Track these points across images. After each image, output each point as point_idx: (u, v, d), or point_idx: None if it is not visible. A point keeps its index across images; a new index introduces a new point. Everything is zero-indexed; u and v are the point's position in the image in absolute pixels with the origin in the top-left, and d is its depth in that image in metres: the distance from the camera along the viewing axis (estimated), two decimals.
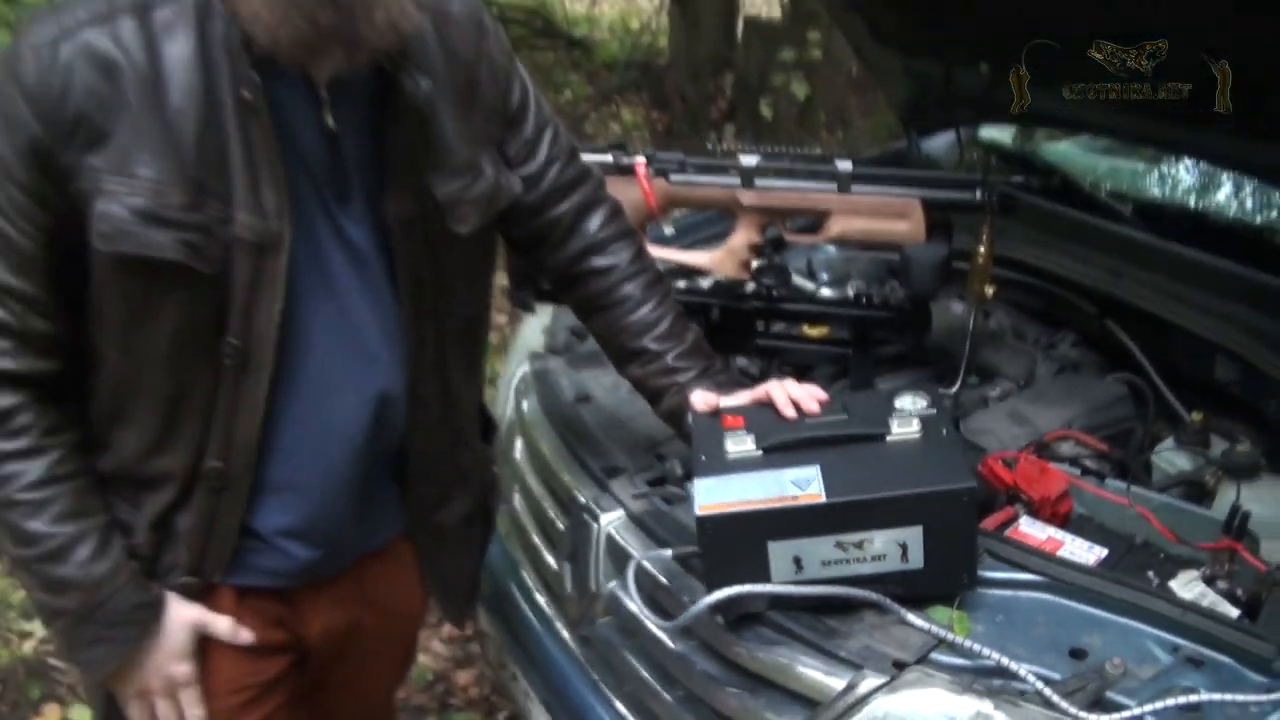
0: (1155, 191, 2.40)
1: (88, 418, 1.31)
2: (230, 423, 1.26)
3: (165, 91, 1.17)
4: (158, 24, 1.17)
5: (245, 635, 1.37)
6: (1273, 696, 1.19)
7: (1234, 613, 1.37)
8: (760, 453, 1.40)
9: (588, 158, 1.66)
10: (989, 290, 1.94)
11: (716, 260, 1.99)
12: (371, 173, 1.30)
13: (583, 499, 1.70)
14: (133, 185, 1.16)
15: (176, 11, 1.17)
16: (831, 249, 2.40)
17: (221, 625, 1.35)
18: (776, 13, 7.06)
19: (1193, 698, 1.18)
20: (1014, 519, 1.55)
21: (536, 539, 1.88)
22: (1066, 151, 2.59)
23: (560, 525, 1.78)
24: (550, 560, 1.83)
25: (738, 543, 1.33)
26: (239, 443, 1.27)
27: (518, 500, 2.00)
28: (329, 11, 1.12)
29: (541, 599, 1.88)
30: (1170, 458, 1.73)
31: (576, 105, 6.70)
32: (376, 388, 1.35)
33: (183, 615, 1.33)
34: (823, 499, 1.31)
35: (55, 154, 1.16)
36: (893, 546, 1.32)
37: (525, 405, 2.01)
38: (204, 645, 1.36)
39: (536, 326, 2.20)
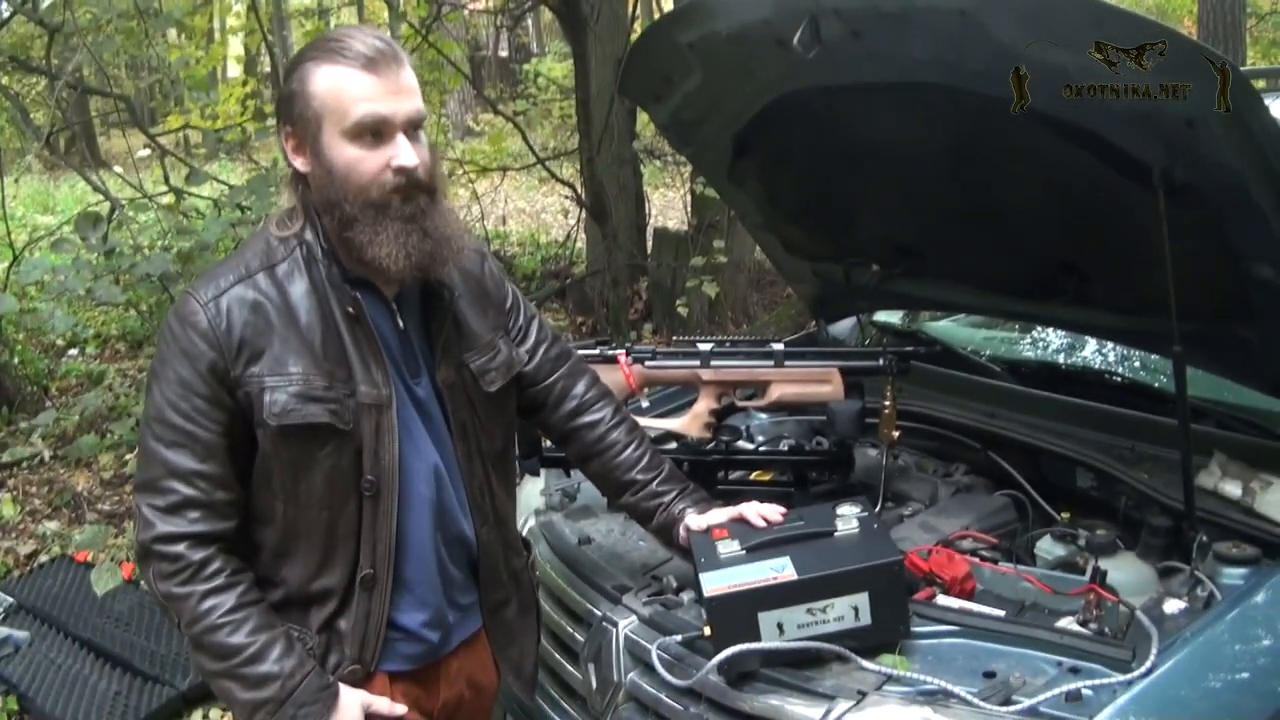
0: (1028, 353, 3.03)
1: (258, 563, 1.76)
2: (374, 537, 1.73)
3: (297, 315, 1.70)
4: (281, 274, 1.72)
5: (400, 709, 1.78)
6: (1127, 678, 1.67)
7: None
8: (744, 551, 1.87)
9: (581, 351, 2.20)
10: (895, 435, 2.47)
11: (684, 425, 2.49)
12: (428, 354, 1.82)
13: (600, 612, 2.13)
14: (289, 378, 1.67)
15: (291, 264, 1.72)
16: (763, 416, 2.93)
17: (382, 703, 1.76)
18: (680, 223, 7.83)
19: (1072, 686, 1.65)
20: (933, 596, 2.02)
21: (556, 654, 2.28)
22: (945, 327, 3.23)
23: (579, 637, 2.20)
24: (570, 668, 2.23)
25: (736, 615, 1.80)
26: (381, 550, 1.74)
27: None
28: (429, 245, 1.69)
29: (564, 704, 2.27)
30: (1048, 547, 2.22)
31: None
32: (448, 504, 1.84)
33: (354, 695, 1.74)
34: (795, 577, 1.79)
35: (229, 370, 1.66)
36: (848, 609, 1.80)
37: (537, 550, 2.45)
38: None
39: (534, 490, 2.66)
